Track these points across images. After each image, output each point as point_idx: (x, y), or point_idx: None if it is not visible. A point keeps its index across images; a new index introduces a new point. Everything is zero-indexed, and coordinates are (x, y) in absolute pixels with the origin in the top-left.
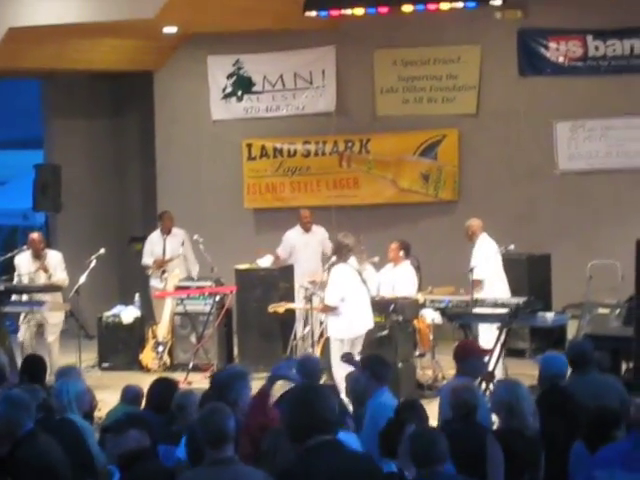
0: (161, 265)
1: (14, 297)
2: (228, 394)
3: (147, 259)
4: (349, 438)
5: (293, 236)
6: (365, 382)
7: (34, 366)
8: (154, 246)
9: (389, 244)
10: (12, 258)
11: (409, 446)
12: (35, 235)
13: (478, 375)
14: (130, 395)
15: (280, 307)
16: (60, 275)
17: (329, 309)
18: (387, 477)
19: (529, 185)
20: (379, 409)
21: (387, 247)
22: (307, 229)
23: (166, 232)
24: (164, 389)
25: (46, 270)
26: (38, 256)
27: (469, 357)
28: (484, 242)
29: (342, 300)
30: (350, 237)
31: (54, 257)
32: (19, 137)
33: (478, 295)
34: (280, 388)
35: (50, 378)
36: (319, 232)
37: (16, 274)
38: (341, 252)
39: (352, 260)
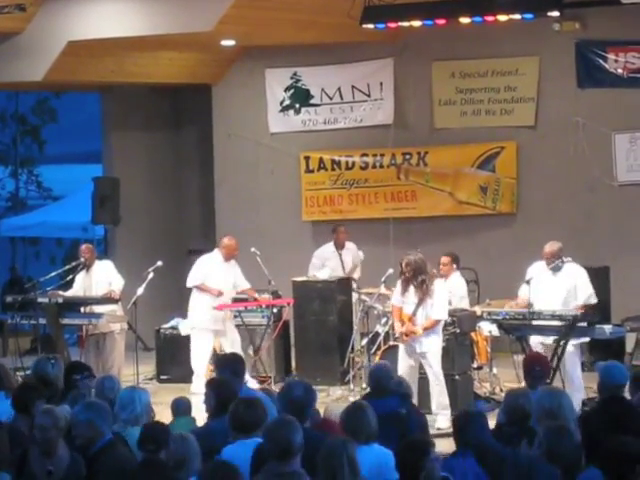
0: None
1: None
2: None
3: (317, 272)
4: None
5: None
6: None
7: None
8: (326, 260)
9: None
10: (70, 270)
11: None
12: (83, 247)
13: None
14: (182, 408)
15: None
16: (116, 284)
17: (437, 324)
18: None
19: (587, 197)
20: None
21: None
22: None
23: (340, 247)
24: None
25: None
26: (88, 267)
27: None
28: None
29: None
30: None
31: (104, 267)
32: (79, 151)
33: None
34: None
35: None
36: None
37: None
38: (425, 268)
39: None
